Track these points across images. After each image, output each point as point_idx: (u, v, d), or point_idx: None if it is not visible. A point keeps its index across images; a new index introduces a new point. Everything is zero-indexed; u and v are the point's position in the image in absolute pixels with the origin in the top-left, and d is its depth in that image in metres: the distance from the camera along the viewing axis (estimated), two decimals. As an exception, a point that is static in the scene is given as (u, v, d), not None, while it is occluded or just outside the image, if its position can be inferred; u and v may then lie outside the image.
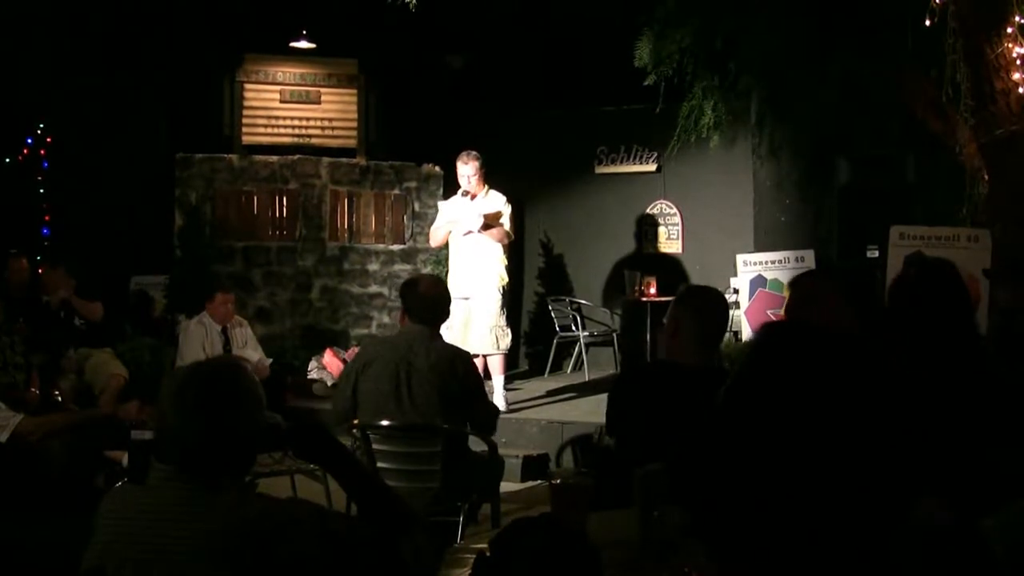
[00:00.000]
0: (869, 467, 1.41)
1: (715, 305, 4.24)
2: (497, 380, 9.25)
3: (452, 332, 9.18)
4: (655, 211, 11.92)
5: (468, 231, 8.96)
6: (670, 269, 11.47)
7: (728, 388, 1.52)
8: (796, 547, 1.42)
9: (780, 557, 1.43)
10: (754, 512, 1.44)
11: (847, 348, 1.50)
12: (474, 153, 9.04)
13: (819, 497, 1.41)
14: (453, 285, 9.07)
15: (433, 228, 9.48)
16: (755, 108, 9.91)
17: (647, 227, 11.95)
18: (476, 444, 5.78)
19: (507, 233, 9.08)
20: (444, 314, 5.81)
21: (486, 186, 9.10)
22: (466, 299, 9.01)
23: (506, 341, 9.20)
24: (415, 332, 5.58)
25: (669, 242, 11.88)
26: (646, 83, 8.69)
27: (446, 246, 9.45)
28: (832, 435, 1.42)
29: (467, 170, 8.96)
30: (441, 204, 9.63)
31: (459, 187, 9.13)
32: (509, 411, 9.18)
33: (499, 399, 9.15)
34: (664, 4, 8.33)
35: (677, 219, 11.81)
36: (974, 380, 3.28)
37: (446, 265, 10.01)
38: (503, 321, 9.16)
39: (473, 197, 9.00)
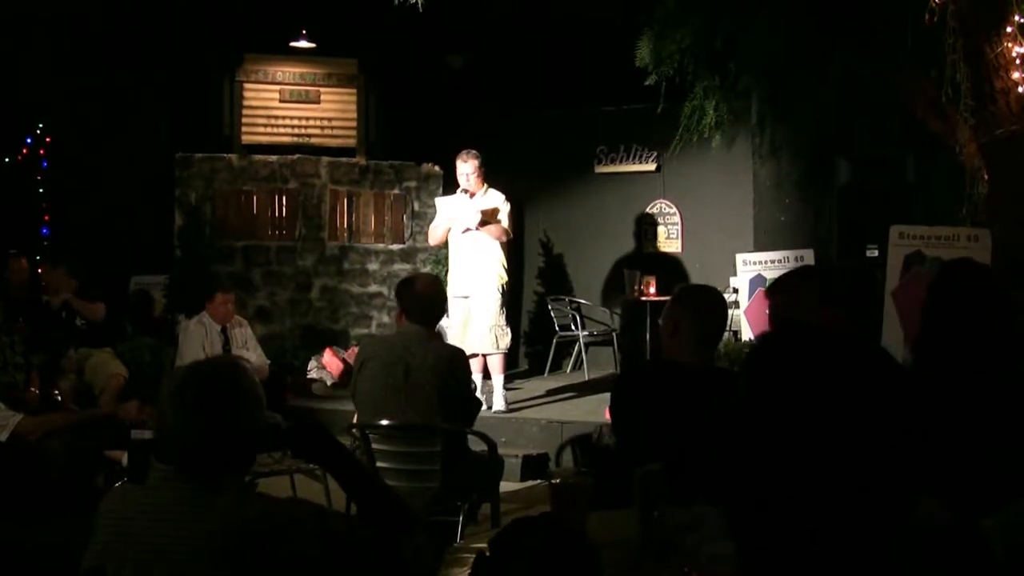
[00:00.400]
0: (868, 466, 1.41)
1: (714, 305, 4.24)
2: (497, 380, 9.24)
3: (451, 331, 9.19)
4: (655, 211, 11.92)
5: (466, 228, 8.95)
6: (670, 269, 11.46)
7: (733, 394, 1.52)
8: (804, 547, 1.42)
9: (790, 558, 1.43)
10: (763, 513, 1.45)
11: (841, 349, 1.50)
12: (473, 152, 9.04)
13: (823, 497, 1.41)
14: (452, 284, 9.06)
15: (432, 226, 9.47)
16: (755, 108, 9.91)
17: (647, 227, 11.95)
18: (475, 444, 5.78)
19: (505, 231, 9.06)
20: (441, 313, 5.81)
21: (485, 185, 9.10)
22: (465, 298, 9.01)
23: (506, 340, 9.19)
24: (412, 332, 5.57)
25: (669, 242, 11.89)
26: (647, 83, 8.68)
27: (446, 245, 9.45)
28: (830, 436, 1.42)
29: (466, 168, 8.96)
30: (439, 200, 9.59)
31: (458, 186, 9.14)
32: (509, 411, 9.18)
33: (499, 399, 9.15)
34: (664, 4, 8.33)
35: (677, 219, 11.81)
36: (979, 380, 3.27)
37: (446, 264, 10.01)
38: (503, 320, 9.15)
39: (472, 195, 9.00)
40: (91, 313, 8.90)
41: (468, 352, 8.84)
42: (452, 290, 9.19)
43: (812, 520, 1.40)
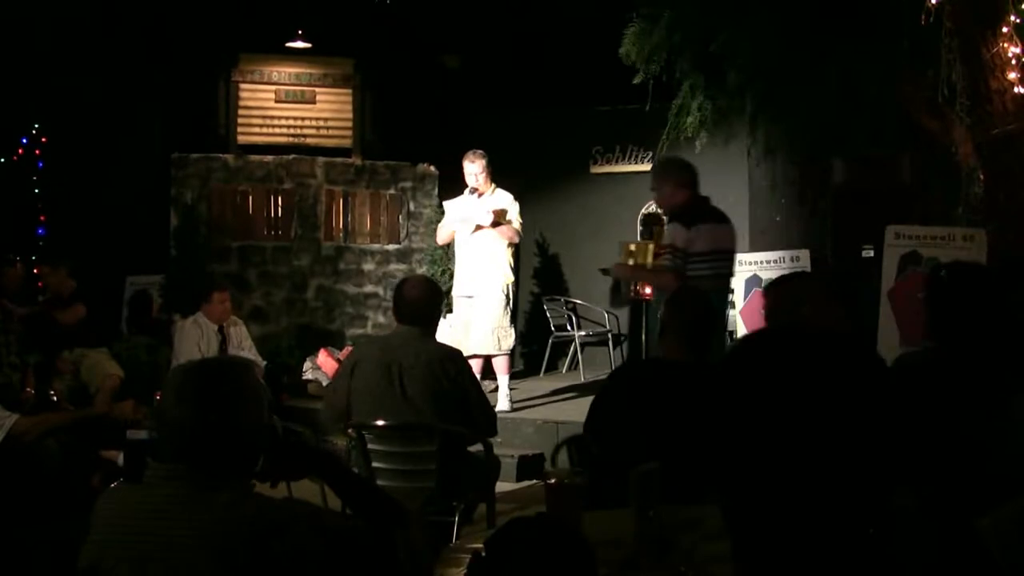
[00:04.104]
0: (847, 459, 1.42)
1: (695, 304, 4.31)
2: (502, 380, 9.23)
3: (453, 331, 9.17)
4: (650, 211, 11.91)
5: (478, 227, 8.93)
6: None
7: (714, 392, 1.52)
8: (791, 540, 1.42)
9: (780, 552, 1.43)
10: (752, 507, 1.45)
11: (835, 347, 1.50)
12: (480, 152, 9.04)
13: (804, 489, 1.41)
14: (457, 284, 9.06)
15: (440, 226, 9.45)
16: (750, 108, 9.90)
17: (642, 227, 11.95)
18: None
19: (516, 231, 9.07)
20: (431, 315, 5.73)
21: (493, 185, 9.09)
22: (469, 298, 8.99)
23: (508, 342, 9.15)
24: (404, 333, 5.56)
25: (664, 242, 11.87)
26: (635, 81, 8.67)
27: (448, 244, 9.45)
28: (809, 431, 1.42)
29: (474, 168, 8.95)
30: (447, 203, 9.52)
31: (459, 186, 9.14)
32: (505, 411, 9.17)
33: (503, 399, 9.12)
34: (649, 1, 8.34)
35: (673, 219, 11.80)
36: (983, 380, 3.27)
37: (442, 264, 9.99)
38: (506, 322, 9.13)
39: (480, 195, 8.99)
40: (66, 319, 8.85)
41: (469, 353, 8.85)
42: (457, 290, 9.19)
43: (797, 512, 1.41)
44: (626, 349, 11.73)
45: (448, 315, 9.65)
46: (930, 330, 3.46)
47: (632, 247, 7.35)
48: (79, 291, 9.05)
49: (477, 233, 8.95)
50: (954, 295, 3.44)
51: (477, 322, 9.00)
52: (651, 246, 7.21)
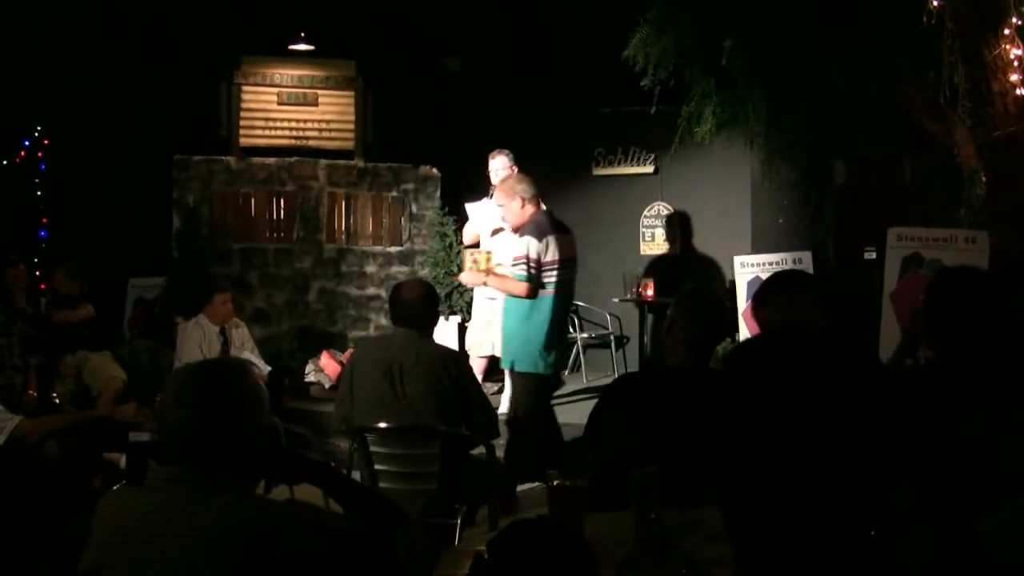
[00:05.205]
0: (847, 459, 1.41)
1: (706, 306, 4.26)
2: (509, 382, 9.22)
3: (472, 330, 9.16)
4: (653, 213, 11.91)
5: (496, 230, 8.90)
6: (667, 271, 11.45)
7: (716, 395, 1.52)
8: (792, 541, 1.42)
9: (782, 554, 1.43)
10: (753, 509, 1.45)
11: (834, 350, 1.50)
12: (506, 151, 9.06)
13: (804, 489, 1.41)
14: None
15: (465, 229, 9.45)
16: (753, 110, 9.90)
17: (644, 229, 11.95)
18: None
19: None
20: (428, 317, 5.74)
21: None
22: (492, 299, 8.98)
23: None
24: (403, 334, 5.58)
25: (667, 244, 11.88)
26: (642, 83, 8.66)
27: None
28: (810, 432, 1.42)
29: (496, 165, 8.97)
30: (469, 206, 9.46)
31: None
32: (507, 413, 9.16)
33: (505, 401, 9.11)
34: (656, 4, 8.32)
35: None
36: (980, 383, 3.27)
37: (444, 266, 9.93)
38: None
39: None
40: (73, 319, 8.88)
41: (486, 352, 8.82)
42: (481, 290, 9.18)
43: (797, 513, 1.41)
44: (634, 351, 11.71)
45: (450, 317, 9.63)
46: (929, 333, 3.46)
47: (475, 256, 7.62)
48: (84, 293, 9.08)
49: (503, 235, 8.93)
50: (954, 298, 3.44)
51: (497, 324, 8.98)
52: (489, 254, 7.59)
